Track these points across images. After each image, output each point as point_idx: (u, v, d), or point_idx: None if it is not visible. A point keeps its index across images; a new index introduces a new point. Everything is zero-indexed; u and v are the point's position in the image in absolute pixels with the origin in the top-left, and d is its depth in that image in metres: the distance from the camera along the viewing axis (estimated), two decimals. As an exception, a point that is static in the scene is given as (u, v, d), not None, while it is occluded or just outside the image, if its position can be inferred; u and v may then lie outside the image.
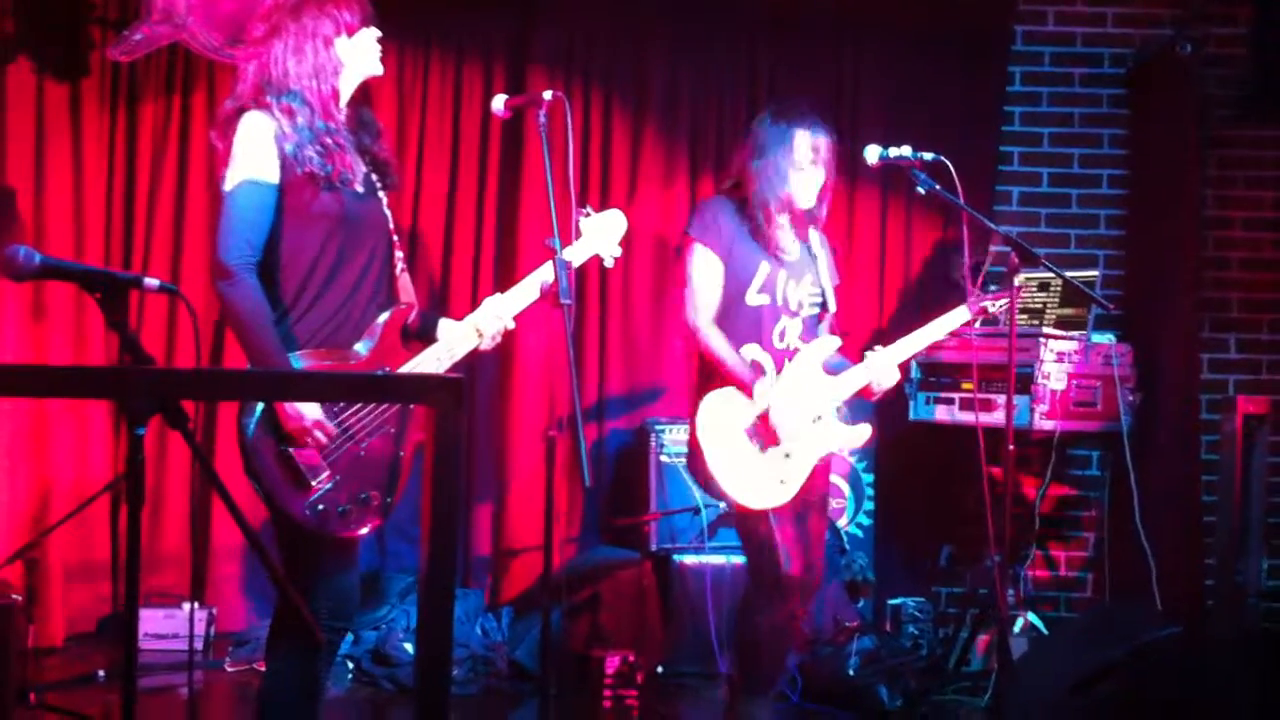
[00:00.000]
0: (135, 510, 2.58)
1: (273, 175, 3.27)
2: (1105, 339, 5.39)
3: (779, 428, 4.04)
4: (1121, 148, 6.02)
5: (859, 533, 5.69)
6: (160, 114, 5.75)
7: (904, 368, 5.52)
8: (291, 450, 3.22)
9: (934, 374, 5.44)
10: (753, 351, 4.14)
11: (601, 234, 3.81)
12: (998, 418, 4.96)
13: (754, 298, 4.17)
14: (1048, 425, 5.18)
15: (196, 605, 5.31)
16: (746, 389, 4.06)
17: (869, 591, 5.31)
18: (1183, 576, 5.44)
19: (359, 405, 3.30)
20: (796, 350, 4.19)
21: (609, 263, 3.87)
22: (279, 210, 3.28)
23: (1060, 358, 5.22)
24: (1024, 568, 5.70)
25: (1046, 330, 5.32)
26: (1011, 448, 4.24)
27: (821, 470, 4.23)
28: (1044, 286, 5.55)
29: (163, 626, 5.34)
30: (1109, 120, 6.03)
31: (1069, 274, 4.60)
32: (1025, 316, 5.51)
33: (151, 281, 2.97)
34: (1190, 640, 4.48)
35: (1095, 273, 5.58)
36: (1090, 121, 6.04)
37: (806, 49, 5.97)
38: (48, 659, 5.19)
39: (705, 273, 4.14)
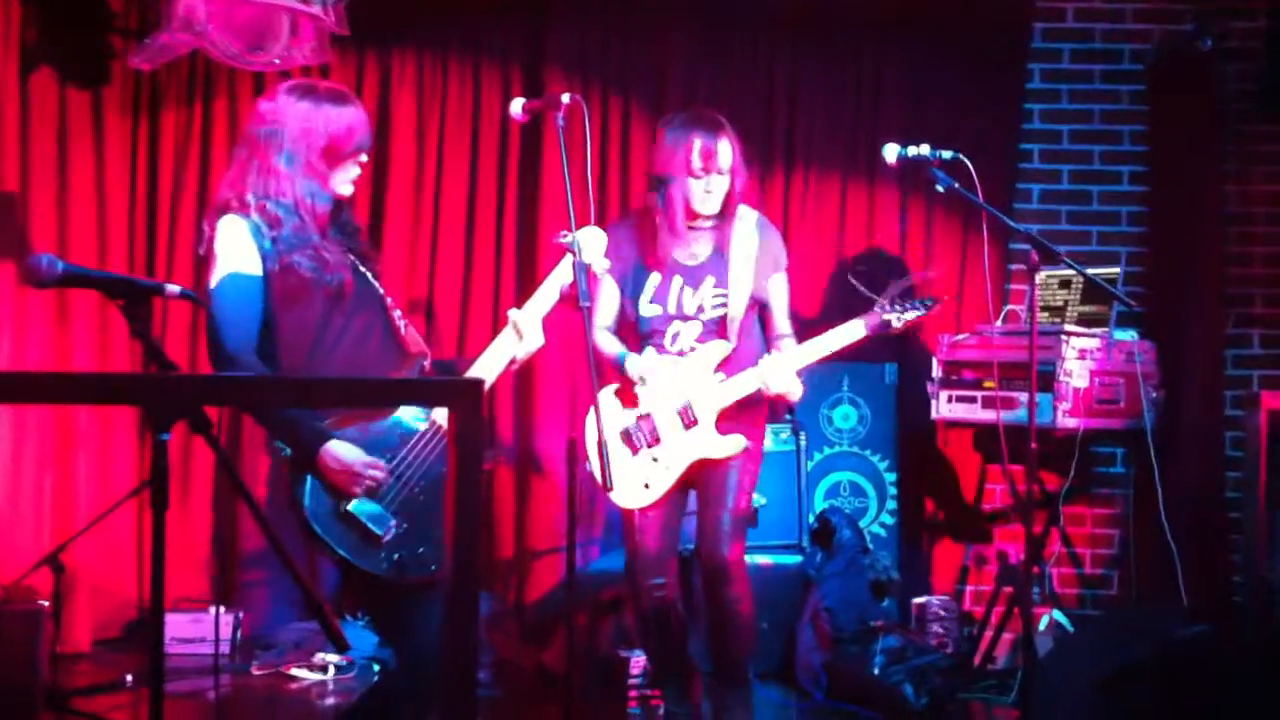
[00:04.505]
0: (160, 515, 2.59)
1: (255, 268, 3.27)
2: (1128, 336, 5.37)
3: (648, 390, 4.22)
4: (1142, 144, 5.99)
5: (882, 532, 5.68)
6: (182, 121, 5.79)
7: (921, 367, 5.57)
8: (353, 508, 3.21)
9: (955, 372, 5.42)
10: (647, 354, 4.29)
11: (584, 251, 3.78)
12: (1020, 416, 4.95)
13: (647, 308, 4.32)
14: (1071, 423, 5.15)
15: (222, 609, 5.34)
16: (619, 368, 4.28)
17: (893, 590, 5.30)
18: (1209, 574, 5.41)
19: (405, 451, 3.31)
20: (692, 351, 4.28)
21: (600, 274, 3.89)
22: (270, 298, 3.28)
23: (1083, 355, 5.20)
24: (1048, 566, 5.68)
25: (1068, 328, 5.29)
26: (1034, 446, 4.22)
27: (724, 464, 4.24)
28: (1065, 284, 5.53)
29: (189, 631, 5.38)
30: (1129, 117, 6.00)
31: (1091, 271, 4.59)
32: (1047, 314, 5.49)
33: (173, 288, 2.99)
34: (1217, 638, 4.46)
35: (1117, 270, 5.55)
36: (1110, 118, 6.01)
37: (825, 48, 5.96)
38: (75, 664, 5.23)
39: (604, 297, 4.37)
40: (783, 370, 4.17)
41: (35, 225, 5.51)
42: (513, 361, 3.53)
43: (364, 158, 3.47)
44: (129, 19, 5.69)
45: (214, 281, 3.27)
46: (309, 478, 3.21)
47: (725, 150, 4.22)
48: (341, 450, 3.21)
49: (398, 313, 3.51)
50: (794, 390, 4.21)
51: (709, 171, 4.21)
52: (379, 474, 3.24)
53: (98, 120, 5.70)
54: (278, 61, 5.09)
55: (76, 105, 5.64)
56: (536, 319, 3.56)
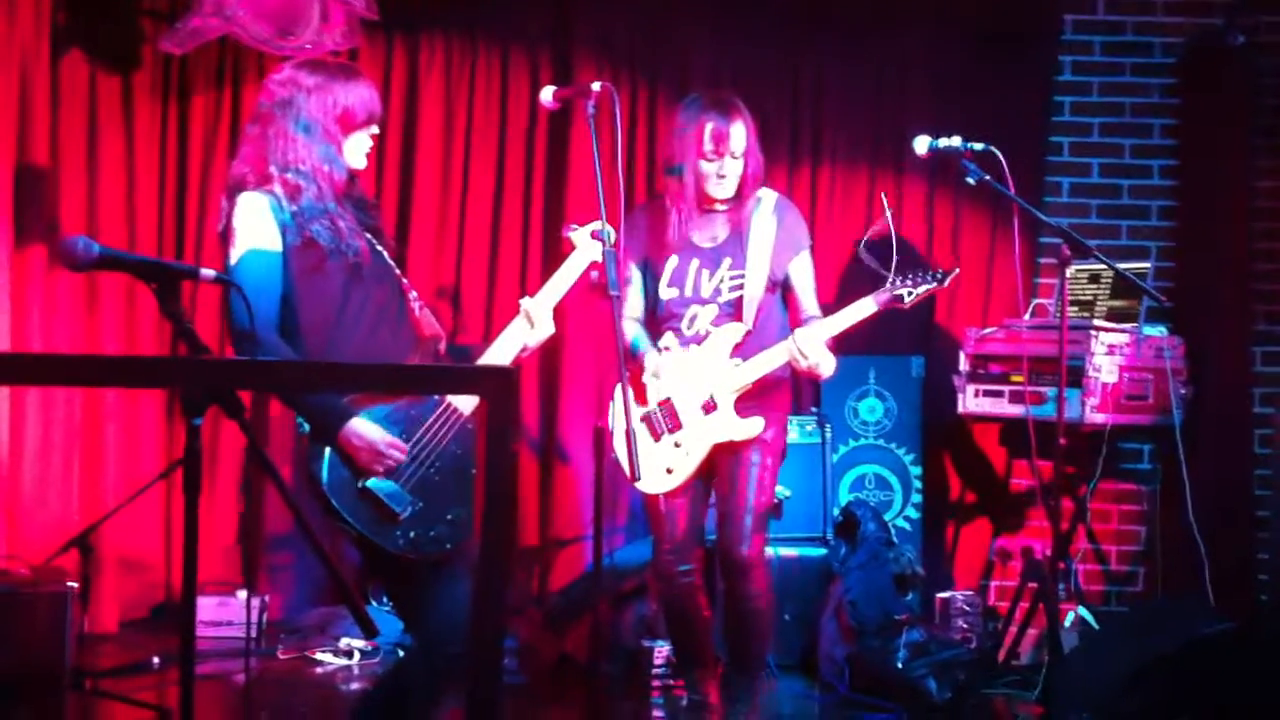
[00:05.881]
0: (192, 499, 2.60)
1: (275, 244, 3.27)
2: (1157, 331, 5.34)
3: (661, 382, 4.22)
4: (1173, 138, 5.95)
5: (907, 526, 5.67)
6: (211, 105, 5.81)
7: (948, 360, 5.56)
8: (370, 485, 3.22)
9: (983, 366, 5.40)
10: (666, 339, 4.30)
11: (592, 244, 3.78)
12: (1047, 410, 4.93)
13: (665, 291, 4.31)
14: (1099, 418, 5.13)
15: (248, 593, 5.37)
16: (638, 362, 4.27)
17: (917, 584, 5.28)
18: (1235, 571, 5.39)
19: (420, 433, 3.32)
20: (709, 335, 4.27)
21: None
22: (290, 275, 3.28)
23: (1111, 350, 5.17)
24: (1074, 561, 5.66)
25: (1097, 323, 5.27)
26: (1062, 441, 4.20)
27: (744, 456, 4.24)
28: (1094, 278, 5.50)
29: (215, 614, 5.40)
30: (1160, 110, 5.97)
31: (1120, 266, 4.56)
32: (1076, 309, 5.46)
33: (208, 272, 3.00)
34: (1243, 636, 4.44)
35: (1147, 264, 5.52)
36: (1141, 111, 5.98)
37: (852, 38, 5.94)
38: (102, 645, 5.25)
39: (632, 286, 4.35)
40: (814, 341, 4.13)
41: (65, 208, 5.53)
42: (524, 349, 3.54)
43: (375, 129, 3.47)
44: (159, 3, 5.70)
45: (234, 258, 3.27)
46: (327, 452, 3.21)
47: (738, 133, 4.20)
48: (364, 428, 3.22)
49: (413, 294, 3.51)
50: (826, 363, 4.15)
51: (721, 155, 4.19)
52: (399, 453, 3.25)
53: (128, 104, 5.72)
54: (308, 46, 5.10)
55: (106, 89, 5.66)
56: (548, 308, 3.56)
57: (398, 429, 3.28)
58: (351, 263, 3.31)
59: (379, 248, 3.44)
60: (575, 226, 3.77)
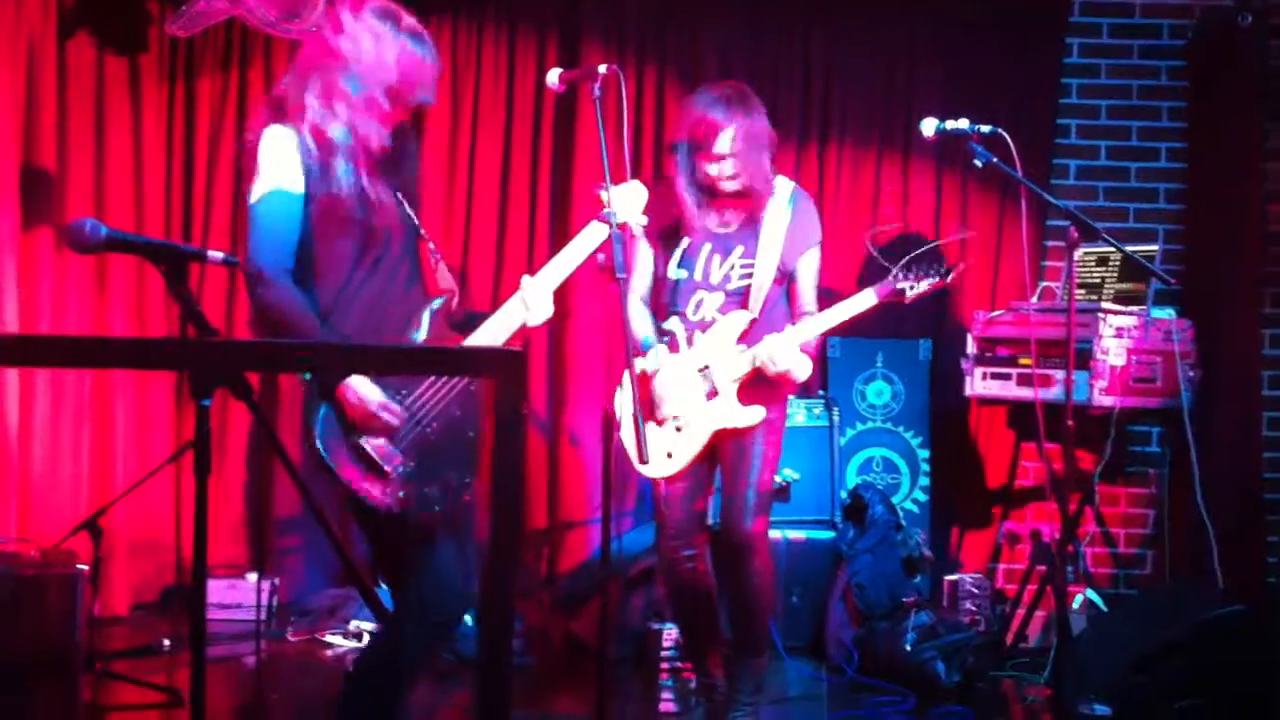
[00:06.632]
0: (202, 480, 2.62)
1: (298, 186, 3.21)
2: (1165, 314, 5.33)
3: (658, 398, 4.21)
4: (1181, 120, 5.93)
5: (914, 509, 5.67)
6: (218, 88, 5.81)
7: (956, 343, 5.55)
8: (363, 441, 3.20)
9: (990, 349, 5.39)
10: (671, 324, 4.28)
11: (623, 206, 3.73)
12: (1055, 393, 4.92)
13: (674, 271, 4.29)
14: (1107, 401, 5.12)
15: (258, 575, 5.38)
16: (636, 353, 4.24)
17: (925, 567, 5.29)
18: (1244, 555, 5.38)
19: (420, 391, 3.30)
20: (714, 322, 4.25)
21: (638, 231, 3.86)
22: (309, 218, 3.23)
23: (1120, 333, 5.17)
24: (1082, 544, 5.66)
25: (1105, 305, 5.26)
26: (1070, 423, 4.19)
27: (746, 438, 4.23)
28: (1102, 261, 5.49)
29: (225, 596, 5.42)
30: (1168, 93, 5.95)
31: (1129, 248, 4.55)
32: (1083, 291, 5.45)
33: (215, 254, 3.01)
34: (1252, 619, 4.44)
35: (1155, 247, 5.51)
36: (1149, 94, 5.96)
37: (861, 21, 5.93)
38: (113, 628, 5.28)
39: (639, 259, 4.34)
40: (781, 349, 4.10)
41: (73, 191, 5.54)
42: (523, 327, 3.50)
43: (429, 99, 3.39)
44: (166, -15, 5.71)
45: (254, 196, 3.20)
46: (323, 406, 3.20)
47: (727, 136, 4.12)
48: (363, 388, 3.19)
49: (432, 245, 3.47)
50: (796, 369, 4.14)
51: (712, 154, 4.13)
52: (395, 419, 3.22)
53: (134, 87, 5.72)
54: (314, 29, 5.08)
55: (113, 72, 5.66)
56: (547, 290, 3.51)
57: (397, 385, 3.26)
58: (371, 208, 3.26)
59: (400, 197, 3.37)
60: (605, 186, 3.69)
